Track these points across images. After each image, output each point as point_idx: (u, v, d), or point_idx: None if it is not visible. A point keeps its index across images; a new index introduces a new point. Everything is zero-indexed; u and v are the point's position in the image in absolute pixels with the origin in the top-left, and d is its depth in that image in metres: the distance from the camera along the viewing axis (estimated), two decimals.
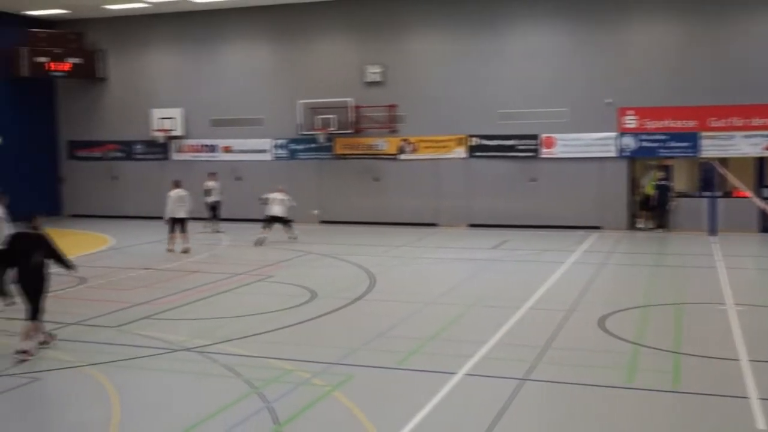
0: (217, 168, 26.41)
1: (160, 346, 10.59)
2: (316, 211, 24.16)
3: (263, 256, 19.04)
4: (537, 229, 23.73)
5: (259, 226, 22.03)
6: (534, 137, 24.00)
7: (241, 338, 10.91)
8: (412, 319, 12.20)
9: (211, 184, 23.92)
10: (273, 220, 21.54)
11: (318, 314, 12.42)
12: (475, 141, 24.63)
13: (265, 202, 21.84)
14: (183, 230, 19.62)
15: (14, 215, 11.63)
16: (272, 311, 12.71)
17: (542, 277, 15.52)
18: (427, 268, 17.31)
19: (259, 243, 20.83)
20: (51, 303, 13.47)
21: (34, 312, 10.31)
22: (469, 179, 24.81)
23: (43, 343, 10.60)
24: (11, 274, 10.56)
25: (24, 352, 10.01)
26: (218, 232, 23.32)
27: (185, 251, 19.30)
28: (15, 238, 10.66)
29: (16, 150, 27.69)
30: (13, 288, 10.63)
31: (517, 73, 24.16)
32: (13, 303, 9.19)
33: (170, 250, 19.47)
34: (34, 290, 10.39)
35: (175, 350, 10.36)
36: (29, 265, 10.37)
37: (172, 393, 8.79)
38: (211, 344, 10.59)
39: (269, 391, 8.59)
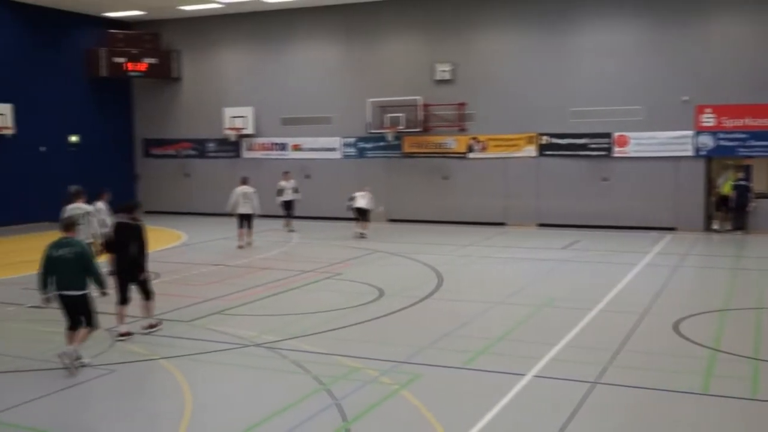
0: (286, 166, 26.73)
1: (230, 341, 10.77)
2: (381, 208, 24.08)
3: (331, 254, 19.18)
4: (609, 229, 23.30)
5: (327, 223, 22.26)
6: (607, 136, 23.55)
7: (309, 335, 11.02)
8: (480, 318, 12.11)
9: (284, 183, 23.64)
10: (359, 212, 22.27)
11: (385, 312, 12.45)
12: (545, 139, 24.32)
13: (351, 204, 22.43)
14: (248, 226, 20.22)
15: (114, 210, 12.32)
16: (340, 309, 12.79)
17: (614, 279, 15.22)
18: (496, 267, 17.17)
19: (363, 237, 21.82)
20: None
21: (146, 294, 11.36)
22: (539, 178, 24.52)
23: (152, 327, 11.40)
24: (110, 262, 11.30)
25: (124, 334, 11.01)
26: (291, 231, 23.37)
27: (247, 245, 20.13)
28: (115, 228, 11.46)
29: (93, 148, 28.60)
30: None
31: (590, 70, 23.76)
32: (107, 294, 9.97)
33: (240, 247, 19.93)
34: (131, 278, 11.21)
35: (246, 345, 10.53)
36: (126, 254, 11.12)
37: (242, 387, 8.93)
38: (280, 340, 10.73)
39: (337, 388, 8.65)
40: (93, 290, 9.76)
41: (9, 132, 24.88)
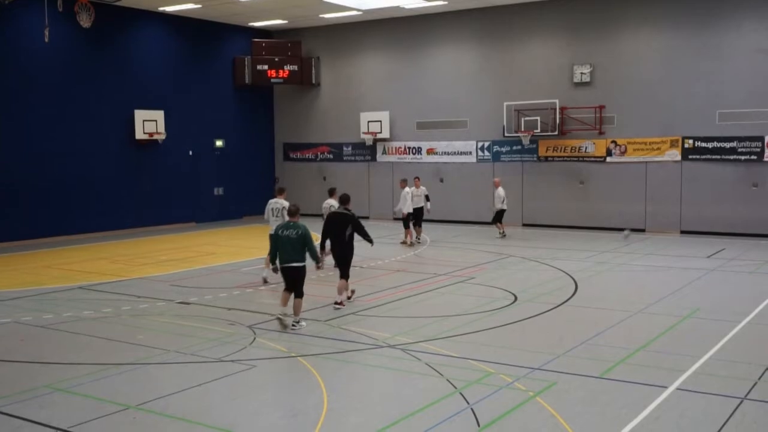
0: (421, 170, 26.91)
1: (365, 341, 10.94)
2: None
3: (465, 257, 19.13)
4: (758, 238, 22.02)
5: (460, 227, 22.21)
6: (759, 139, 22.27)
7: (443, 338, 11.02)
8: (619, 327, 11.74)
9: (413, 189, 21.59)
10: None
11: (520, 318, 12.29)
12: (690, 143, 23.29)
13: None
14: (418, 224, 21.60)
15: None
16: (474, 313, 12.73)
17: (764, 290, 14.37)
18: (636, 275, 16.60)
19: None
20: (266, 296, 14.40)
21: (345, 274, 13.44)
22: (683, 183, 23.49)
23: (348, 299, 13.62)
24: (326, 245, 13.63)
25: (339, 303, 13.24)
26: (418, 242, 21.67)
27: (414, 242, 21.25)
28: (330, 216, 13.80)
29: (237, 152, 29.82)
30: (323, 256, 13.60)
31: (738, 69, 22.55)
32: (321, 268, 13.29)
33: (408, 244, 21.33)
34: (344, 259, 13.47)
35: (380, 346, 10.65)
36: (340, 239, 13.41)
37: (378, 387, 9.05)
38: (414, 342, 10.79)
39: (470, 392, 8.61)
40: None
41: (160, 137, 26.31)
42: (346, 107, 29.66)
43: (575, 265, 17.57)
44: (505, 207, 22.99)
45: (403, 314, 12.81)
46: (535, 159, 25.93)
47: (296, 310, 11.94)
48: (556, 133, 24.97)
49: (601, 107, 24.50)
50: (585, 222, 24.98)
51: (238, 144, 29.90)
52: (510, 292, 14.36)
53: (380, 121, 28.44)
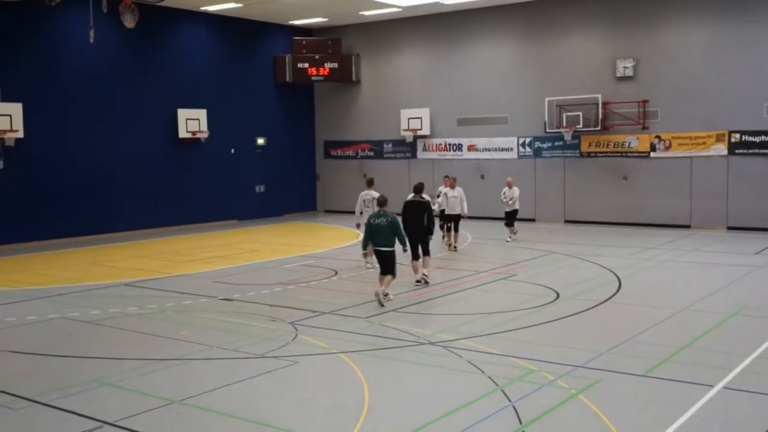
0: (461, 167, 26.84)
1: (406, 338, 10.94)
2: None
3: (506, 254, 19.04)
4: None
5: (500, 224, 22.11)
6: None
7: (485, 335, 10.98)
8: (664, 325, 11.58)
9: (446, 190, 20.03)
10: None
11: (562, 315, 12.19)
12: (736, 137, 22.84)
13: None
14: (455, 229, 19.72)
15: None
16: (515, 310, 12.66)
17: None
18: (680, 272, 16.35)
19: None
20: (308, 293, 14.50)
21: (425, 252, 15.13)
22: (729, 178, 23.05)
23: (422, 278, 14.97)
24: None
25: (418, 281, 14.86)
26: (454, 249, 19.71)
27: (453, 249, 19.63)
28: (408, 204, 15.30)
29: (278, 150, 30.01)
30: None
31: None
32: (405, 251, 14.36)
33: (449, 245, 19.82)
34: (421, 240, 15.04)
35: (421, 343, 10.65)
36: (418, 223, 14.94)
37: (419, 384, 9.05)
38: (455, 339, 10.77)
39: (513, 389, 8.56)
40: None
41: (203, 136, 26.60)
42: (386, 104, 29.67)
43: (618, 262, 17.38)
44: (517, 207, 21.51)
45: (444, 311, 12.80)
46: (577, 155, 25.67)
47: (385, 284, 13.40)
48: (599, 128, 24.69)
49: (645, 101, 24.16)
50: (628, 218, 24.66)
51: (279, 142, 30.10)
52: (552, 290, 14.25)
53: (420, 118, 28.41)
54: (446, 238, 20.15)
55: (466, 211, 19.86)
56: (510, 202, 21.52)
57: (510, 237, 21.63)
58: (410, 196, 15.94)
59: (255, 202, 29.25)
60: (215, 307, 13.38)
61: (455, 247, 19.76)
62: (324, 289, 14.95)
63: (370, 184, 17.77)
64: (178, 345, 10.82)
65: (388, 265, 13.49)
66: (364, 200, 17.35)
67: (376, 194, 16.28)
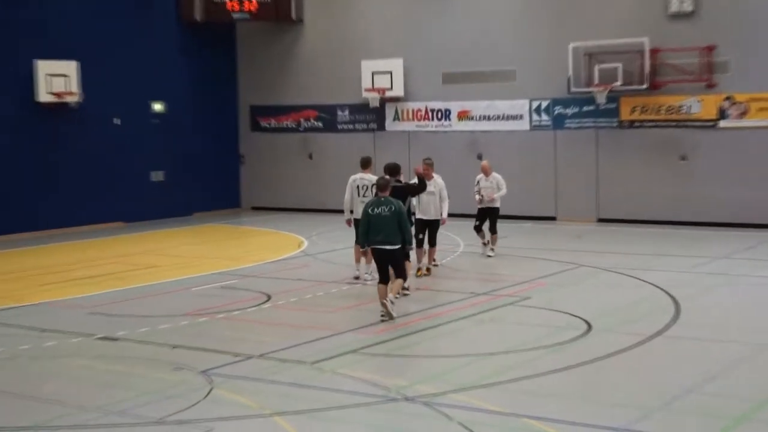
0: (449, 144, 26.87)
1: (372, 392, 10.85)
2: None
3: (516, 268, 19.10)
4: None
5: (510, 224, 22.13)
6: None
7: (484, 386, 10.93)
8: (739, 368, 11.64)
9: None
10: (484, 216, 20.49)
11: (595, 356, 12.19)
12: None
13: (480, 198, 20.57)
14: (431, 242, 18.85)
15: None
16: (528, 349, 12.65)
17: None
18: (762, 292, 16.51)
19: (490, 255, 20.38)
20: (228, 327, 14.38)
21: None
22: None
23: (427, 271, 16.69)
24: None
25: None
26: (434, 265, 19.24)
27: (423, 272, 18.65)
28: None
29: (184, 120, 29.88)
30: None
31: None
32: (411, 249, 15.65)
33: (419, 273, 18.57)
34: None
35: (394, 399, 10.57)
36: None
37: None
38: (442, 393, 10.69)
39: None
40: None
41: (73, 99, 26.33)
42: (341, 54, 29.59)
43: (674, 278, 17.47)
44: (497, 203, 20.59)
45: (427, 352, 12.76)
46: (615, 125, 25.82)
47: (395, 289, 14.53)
48: (645, 86, 24.84)
49: (710, 48, 24.38)
50: (688, 215, 24.86)
51: (186, 108, 29.94)
52: (581, 319, 14.26)
53: (390, 73, 28.36)
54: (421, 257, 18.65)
55: (444, 215, 18.60)
56: (486, 198, 20.40)
57: (488, 249, 20.68)
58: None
59: (150, 197, 29.05)
60: (92, 350, 13.17)
61: (433, 263, 19.06)
62: (252, 321, 14.87)
63: (365, 165, 18.00)
64: (37, 407, 10.59)
65: (395, 268, 14.50)
66: (357, 187, 17.65)
67: (374, 178, 16.69)
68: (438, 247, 18.97)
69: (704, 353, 12.34)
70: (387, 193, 14.61)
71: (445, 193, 18.46)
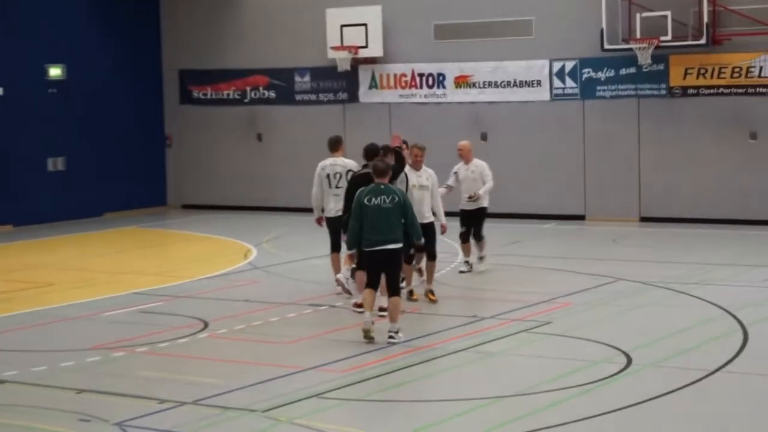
0: (443, 119, 26.97)
1: None
2: None
3: (533, 283, 19.29)
4: None
5: (524, 226, 22.18)
6: None
7: None
8: None
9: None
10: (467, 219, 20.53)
11: (637, 398, 12.26)
12: None
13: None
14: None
15: None
16: (549, 390, 12.70)
17: None
18: None
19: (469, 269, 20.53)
20: (151, 364, 14.39)
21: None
22: None
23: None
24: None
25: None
26: (419, 272, 19.31)
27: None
28: (359, 179, 16.68)
29: (91, 90, 29.87)
30: None
31: None
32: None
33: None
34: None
35: None
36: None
37: None
38: None
39: None
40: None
41: None
42: (299, 1, 29.61)
43: (741, 295, 17.64)
44: (485, 202, 20.70)
45: (414, 396, 12.82)
46: (663, 92, 25.95)
47: (393, 314, 14.83)
48: (704, 42, 24.96)
49: None
50: (760, 212, 25.00)
51: (93, 74, 29.90)
52: (617, 350, 14.33)
53: (365, 26, 28.40)
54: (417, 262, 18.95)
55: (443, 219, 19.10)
56: (470, 194, 20.41)
57: (468, 263, 20.67)
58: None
59: (47, 193, 29.01)
60: None
61: (420, 272, 19.06)
62: (183, 356, 14.92)
63: (334, 147, 18.20)
64: None
65: (390, 277, 15.00)
66: (328, 176, 17.78)
67: (349, 163, 17.38)
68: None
69: None
70: (387, 180, 15.08)
71: (437, 189, 18.61)
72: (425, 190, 18.08)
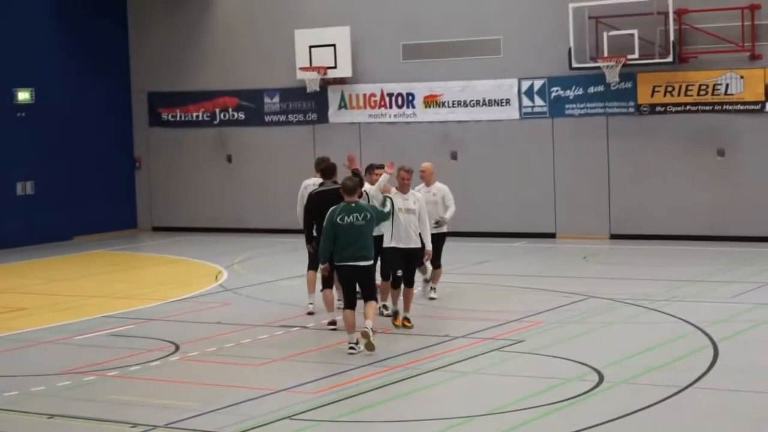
0: (413, 138, 26.97)
1: None
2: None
3: (506, 301, 19.34)
4: None
5: (496, 244, 22.17)
6: None
7: None
8: None
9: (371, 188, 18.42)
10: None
11: (609, 416, 12.26)
12: None
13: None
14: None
15: None
16: (520, 409, 12.70)
17: None
18: None
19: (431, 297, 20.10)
20: (122, 388, 14.34)
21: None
22: None
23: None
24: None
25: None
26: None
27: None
28: (320, 195, 17.37)
29: (60, 113, 29.79)
30: None
31: None
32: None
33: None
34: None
35: None
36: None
37: None
38: None
39: None
40: None
41: None
42: (268, 22, 29.61)
43: (712, 312, 17.65)
44: (444, 227, 19.92)
45: (385, 416, 12.79)
46: (631, 110, 26.03)
47: (369, 313, 15.51)
48: (671, 59, 25.04)
49: (754, 7, 24.62)
50: (728, 228, 25.09)
51: (62, 98, 29.82)
52: (590, 367, 14.35)
53: (333, 46, 28.42)
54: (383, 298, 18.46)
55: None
56: (436, 219, 19.47)
57: (428, 289, 20.25)
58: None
59: (16, 216, 28.92)
60: None
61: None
62: (154, 379, 14.85)
63: (323, 168, 18.32)
64: None
65: (367, 289, 15.87)
66: (311, 195, 18.01)
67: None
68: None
69: (756, 407, 12.43)
70: (356, 197, 15.76)
71: (425, 213, 18.20)
72: (412, 213, 17.62)
